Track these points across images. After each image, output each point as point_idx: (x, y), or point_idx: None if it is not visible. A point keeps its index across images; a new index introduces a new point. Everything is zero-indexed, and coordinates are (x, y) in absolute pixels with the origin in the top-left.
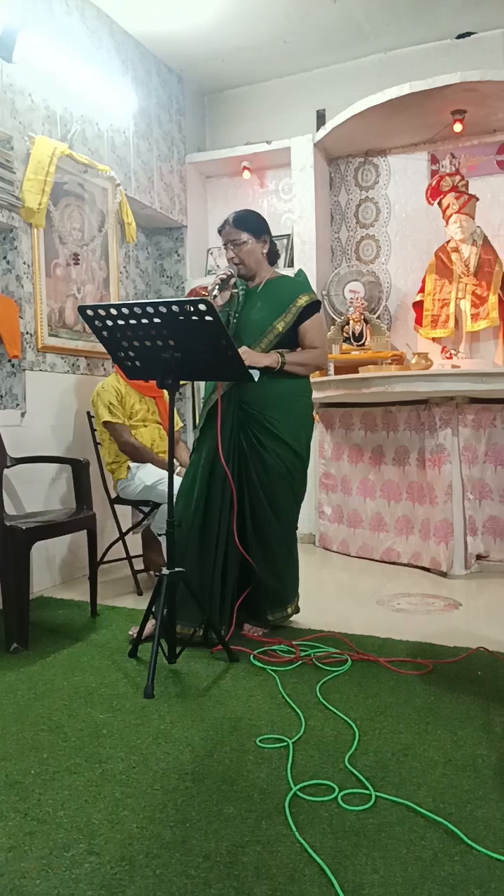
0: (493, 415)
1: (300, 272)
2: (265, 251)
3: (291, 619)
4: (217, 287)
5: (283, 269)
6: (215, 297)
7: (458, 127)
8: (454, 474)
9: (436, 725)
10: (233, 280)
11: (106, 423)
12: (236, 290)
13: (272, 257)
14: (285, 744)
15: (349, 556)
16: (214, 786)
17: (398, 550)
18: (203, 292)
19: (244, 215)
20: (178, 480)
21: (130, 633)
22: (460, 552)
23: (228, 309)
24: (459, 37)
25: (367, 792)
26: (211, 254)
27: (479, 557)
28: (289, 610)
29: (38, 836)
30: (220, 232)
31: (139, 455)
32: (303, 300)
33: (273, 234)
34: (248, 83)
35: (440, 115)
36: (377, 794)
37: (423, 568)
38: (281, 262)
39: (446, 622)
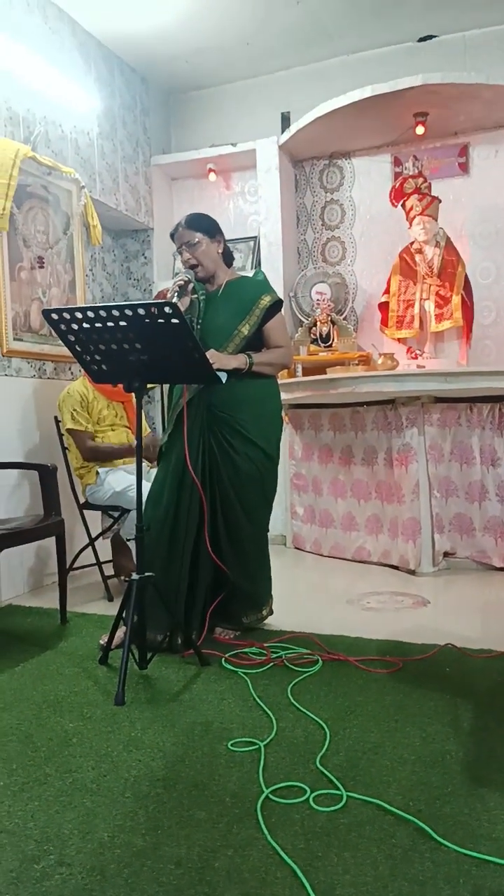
0: (457, 413)
1: (258, 272)
2: (220, 251)
3: (265, 620)
4: (175, 294)
5: (248, 272)
6: (175, 304)
7: (420, 129)
8: (421, 473)
9: (405, 723)
10: (191, 285)
11: (69, 430)
12: (196, 296)
13: (227, 258)
14: (257, 746)
15: (321, 556)
16: (186, 791)
17: (369, 549)
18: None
19: (195, 217)
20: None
21: (101, 640)
22: (428, 550)
23: (190, 315)
24: (421, 40)
25: (338, 792)
26: (178, 256)
27: (446, 555)
28: (263, 612)
29: (7, 849)
30: (172, 237)
31: (103, 455)
32: (266, 300)
33: (239, 235)
34: (212, 84)
35: (403, 118)
36: (348, 793)
37: (393, 566)
38: (248, 263)
39: (415, 619)
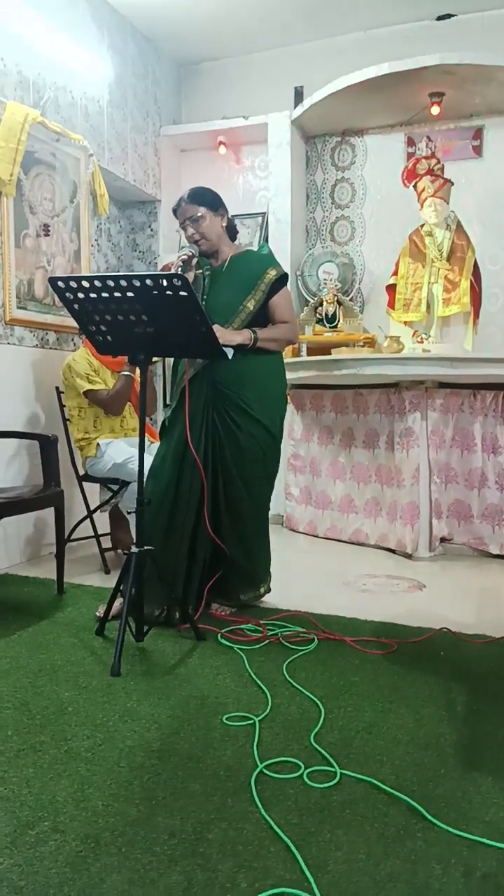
0: (461, 400)
1: (264, 245)
2: (224, 225)
3: (262, 598)
4: (179, 269)
5: (253, 246)
6: None
7: (435, 110)
8: (422, 458)
9: (399, 704)
10: (195, 260)
11: (88, 393)
12: (200, 272)
13: (231, 232)
14: (251, 722)
15: (317, 537)
16: (180, 763)
17: (366, 532)
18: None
19: (198, 190)
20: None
21: (98, 612)
22: (425, 534)
23: (196, 290)
24: (440, 18)
25: (332, 769)
26: (182, 231)
27: (443, 540)
28: (261, 590)
29: (1, 814)
30: (175, 212)
31: (124, 393)
32: (271, 274)
33: (248, 211)
34: (225, 56)
35: (418, 97)
36: (342, 771)
37: (390, 549)
38: (255, 240)
39: (411, 603)
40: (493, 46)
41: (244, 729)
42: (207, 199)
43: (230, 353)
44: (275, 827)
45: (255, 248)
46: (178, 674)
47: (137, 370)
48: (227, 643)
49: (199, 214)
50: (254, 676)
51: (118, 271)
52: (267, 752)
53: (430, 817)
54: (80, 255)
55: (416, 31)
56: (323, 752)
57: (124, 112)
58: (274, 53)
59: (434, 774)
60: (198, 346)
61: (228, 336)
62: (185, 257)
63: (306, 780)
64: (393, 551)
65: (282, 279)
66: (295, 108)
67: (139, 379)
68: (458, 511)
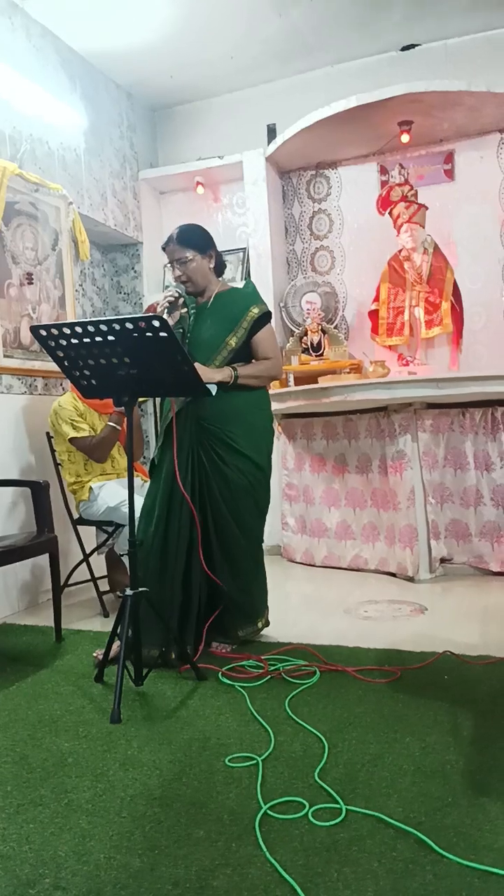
0: (450, 419)
1: (248, 282)
2: (212, 266)
3: (261, 632)
4: (166, 310)
5: (238, 283)
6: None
7: (405, 138)
8: (415, 479)
9: (404, 733)
10: (181, 300)
11: (72, 440)
12: (185, 310)
13: (219, 269)
14: (255, 762)
15: (313, 566)
16: (183, 809)
17: (365, 557)
18: (158, 310)
19: (187, 231)
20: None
21: (95, 655)
22: (425, 556)
23: (180, 327)
24: (404, 49)
25: (338, 806)
26: (168, 268)
27: (443, 561)
28: (259, 624)
29: (1, 874)
30: (163, 249)
31: (108, 443)
32: (254, 312)
33: (228, 247)
34: (198, 98)
35: (388, 127)
36: (347, 807)
37: (390, 574)
38: (237, 274)
39: (413, 627)
40: (457, 73)
41: (247, 770)
42: (195, 240)
43: (213, 389)
44: (280, 870)
45: (237, 283)
46: (179, 716)
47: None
48: (229, 681)
49: (188, 258)
50: (256, 715)
51: (104, 314)
52: (271, 792)
53: (438, 849)
54: (65, 300)
55: (382, 63)
56: (328, 788)
57: (101, 159)
58: (245, 93)
59: (442, 804)
60: (181, 385)
61: (209, 374)
62: (172, 298)
63: (311, 818)
64: (394, 575)
65: (264, 317)
66: (268, 144)
67: (126, 421)
68: (456, 531)
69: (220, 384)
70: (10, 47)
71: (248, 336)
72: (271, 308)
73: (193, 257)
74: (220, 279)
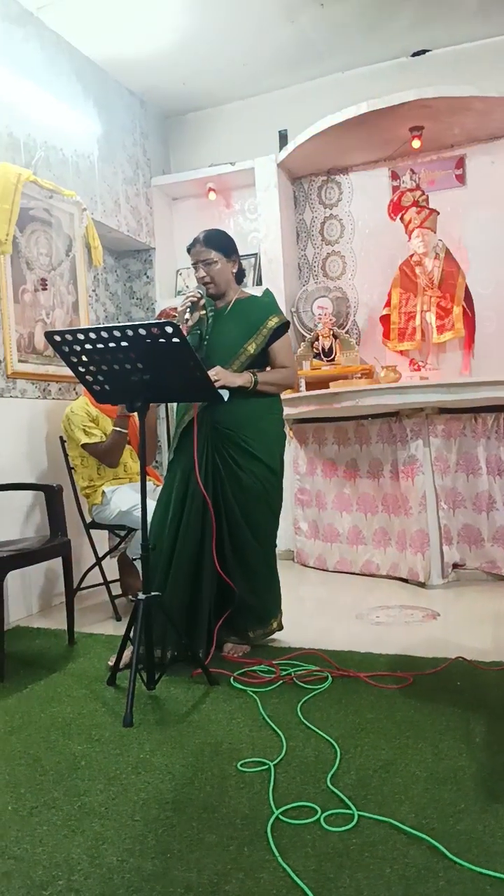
0: (462, 424)
1: (267, 292)
2: (234, 271)
3: (274, 636)
4: (188, 309)
5: (251, 288)
6: (186, 319)
7: (416, 143)
8: (427, 485)
9: (417, 739)
10: (202, 301)
11: (84, 446)
12: (205, 312)
13: (239, 276)
14: (267, 767)
15: (326, 570)
16: (195, 814)
17: (377, 563)
18: (173, 313)
19: (214, 234)
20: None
21: (109, 662)
22: (437, 562)
23: (198, 330)
24: (415, 55)
25: (350, 811)
26: (180, 275)
27: (455, 566)
28: (273, 625)
29: (15, 876)
30: (189, 251)
31: (118, 448)
32: (273, 321)
33: (241, 253)
34: (210, 105)
35: (399, 132)
36: (359, 813)
37: (402, 579)
38: (249, 280)
39: (425, 633)
40: (467, 78)
41: (259, 775)
42: (221, 243)
43: (226, 395)
44: (293, 875)
45: (249, 289)
46: (191, 721)
47: (135, 418)
48: (240, 686)
49: (213, 259)
50: (268, 720)
51: (117, 319)
52: (283, 797)
53: (451, 856)
54: (79, 306)
55: (393, 69)
56: (340, 794)
57: (114, 165)
58: (257, 100)
59: (454, 810)
60: (194, 391)
61: (230, 378)
62: (194, 299)
63: (324, 824)
64: (406, 581)
65: (283, 327)
66: (280, 151)
67: (138, 426)
68: (469, 536)
69: (239, 389)
70: (25, 56)
71: (266, 344)
72: (288, 320)
73: (218, 260)
74: (239, 287)
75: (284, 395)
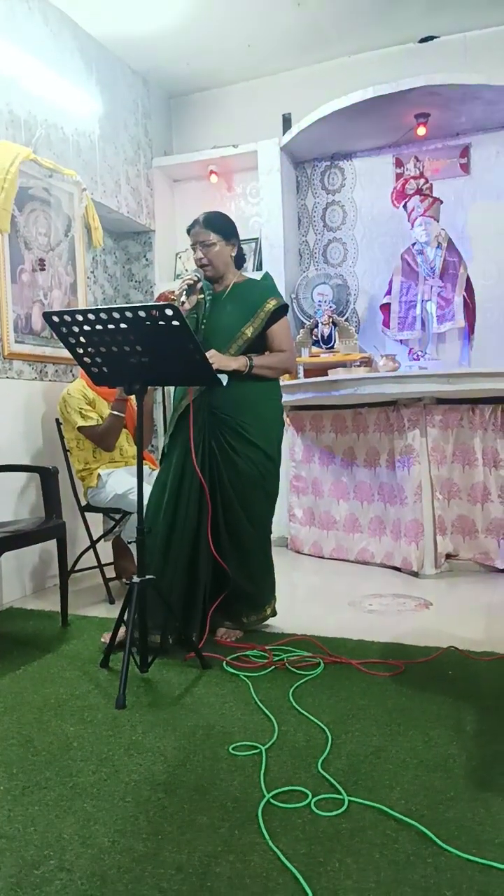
0: (459, 415)
1: (266, 275)
2: (233, 254)
3: (267, 622)
4: (184, 292)
5: (251, 273)
6: (183, 302)
7: (421, 130)
8: (423, 474)
9: (407, 726)
10: (199, 284)
11: (80, 429)
12: (203, 296)
13: (239, 261)
14: (258, 750)
15: (322, 558)
16: (187, 796)
17: (372, 551)
18: (172, 297)
19: (214, 216)
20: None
21: (102, 639)
22: (430, 552)
23: (195, 313)
24: (422, 41)
25: (340, 796)
26: (179, 258)
27: (448, 556)
28: (266, 611)
29: (6, 854)
30: (188, 232)
31: (115, 431)
32: (271, 304)
33: (241, 237)
34: (214, 86)
35: (404, 119)
36: (350, 798)
37: (395, 568)
38: (249, 265)
39: (418, 622)
40: (475, 66)
41: (251, 758)
42: (221, 226)
43: (224, 379)
44: (283, 858)
45: (249, 273)
46: (183, 704)
47: (132, 401)
48: (233, 670)
49: (212, 241)
50: (260, 704)
51: (115, 301)
52: (274, 781)
53: (440, 842)
54: (77, 287)
55: (400, 55)
56: (330, 779)
57: (116, 145)
58: (261, 82)
59: (444, 797)
60: (192, 374)
61: (225, 361)
62: (191, 281)
63: (314, 808)
64: (399, 570)
65: (281, 309)
66: (283, 134)
67: (135, 409)
68: (463, 527)
69: (234, 373)
70: (28, 31)
71: (264, 327)
72: (286, 302)
73: (217, 242)
74: (239, 271)
75: (282, 382)
